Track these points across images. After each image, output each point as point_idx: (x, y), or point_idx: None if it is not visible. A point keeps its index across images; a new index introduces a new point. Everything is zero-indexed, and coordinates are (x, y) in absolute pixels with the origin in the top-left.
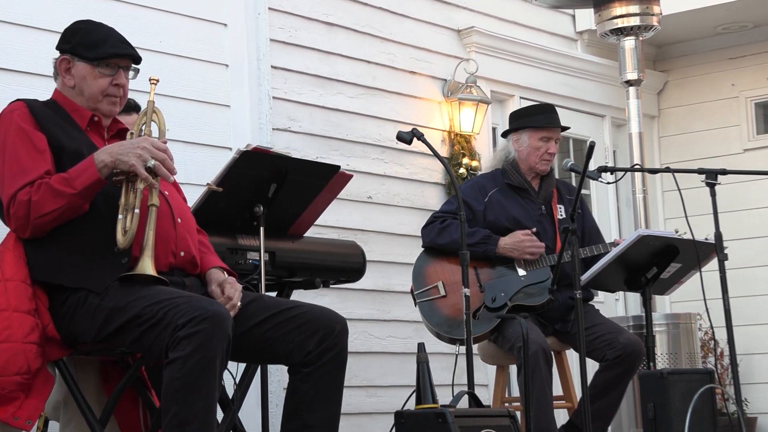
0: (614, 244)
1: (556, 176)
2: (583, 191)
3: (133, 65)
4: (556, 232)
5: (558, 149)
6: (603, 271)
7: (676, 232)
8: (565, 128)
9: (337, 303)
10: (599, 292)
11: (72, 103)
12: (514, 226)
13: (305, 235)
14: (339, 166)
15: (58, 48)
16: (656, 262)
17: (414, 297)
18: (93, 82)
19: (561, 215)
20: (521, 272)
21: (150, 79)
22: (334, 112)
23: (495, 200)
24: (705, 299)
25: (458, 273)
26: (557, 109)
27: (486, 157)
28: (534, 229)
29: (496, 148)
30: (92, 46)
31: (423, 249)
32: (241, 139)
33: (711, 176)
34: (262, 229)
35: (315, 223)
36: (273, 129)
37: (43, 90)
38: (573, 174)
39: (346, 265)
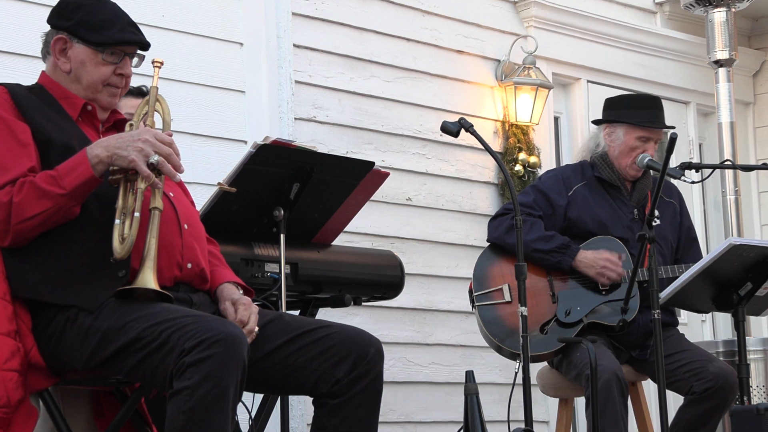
0: None
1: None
2: (680, 192)
3: (139, 51)
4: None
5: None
6: (686, 288)
7: None
8: (667, 127)
9: (371, 324)
10: (683, 313)
11: (62, 90)
12: (599, 229)
13: (333, 243)
14: (373, 163)
15: (52, 23)
16: (751, 277)
17: (473, 299)
18: (94, 69)
19: (655, 223)
20: None
21: (153, 62)
22: (367, 99)
23: (580, 196)
24: None
25: (530, 276)
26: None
27: (547, 151)
28: (623, 256)
29: (587, 138)
30: (97, 27)
31: (488, 244)
32: (258, 131)
33: None
34: (282, 236)
35: (345, 229)
36: (295, 119)
37: (26, 73)
38: (651, 172)
39: (381, 278)
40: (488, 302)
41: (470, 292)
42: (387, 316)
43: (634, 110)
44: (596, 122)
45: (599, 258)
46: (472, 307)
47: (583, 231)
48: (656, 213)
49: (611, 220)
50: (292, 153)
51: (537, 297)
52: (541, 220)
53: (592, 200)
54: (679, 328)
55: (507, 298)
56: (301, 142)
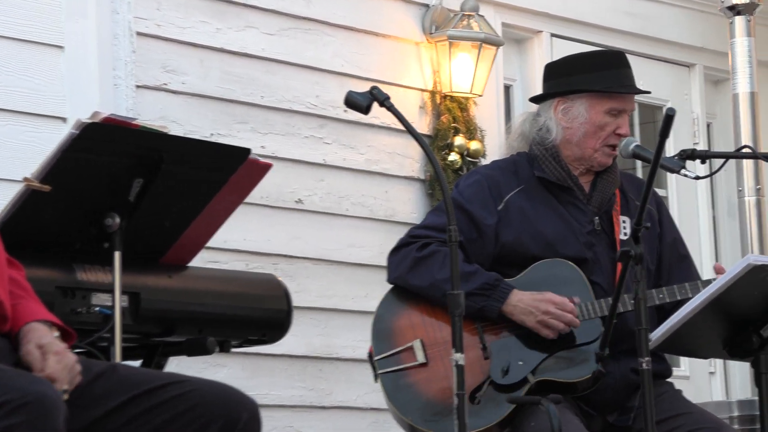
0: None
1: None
2: (656, 191)
3: None
4: (615, 260)
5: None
6: (687, 326)
7: None
8: (643, 92)
9: (244, 378)
10: (683, 363)
11: None
12: (546, 251)
13: (191, 264)
14: (249, 150)
15: None
16: None
17: (374, 366)
18: None
19: (626, 233)
20: None
21: None
22: (240, 59)
23: (516, 208)
24: None
25: (447, 327)
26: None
27: (494, 134)
28: (576, 300)
29: (518, 121)
30: None
31: (390, 288)
32: (84, 104)
33: None
34: (117, 254)
35: (208, 244)
36: (137, 86)
37: None
38: (640, 163)
39: (259, 314)
40: (395, 368)
41: (370, 356)
42: (267, 367)
43: (594, 74)
44: (537, 99)
45: (540, 301)
46: (375, 377)
47: (525, 257)
48: (626, 222)
49: (561, 235)
50: (132, 136)
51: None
52: (462, 249)
53: (532, 212)
54: (678, 382)
55: (420, 359)
56: (145, 120)
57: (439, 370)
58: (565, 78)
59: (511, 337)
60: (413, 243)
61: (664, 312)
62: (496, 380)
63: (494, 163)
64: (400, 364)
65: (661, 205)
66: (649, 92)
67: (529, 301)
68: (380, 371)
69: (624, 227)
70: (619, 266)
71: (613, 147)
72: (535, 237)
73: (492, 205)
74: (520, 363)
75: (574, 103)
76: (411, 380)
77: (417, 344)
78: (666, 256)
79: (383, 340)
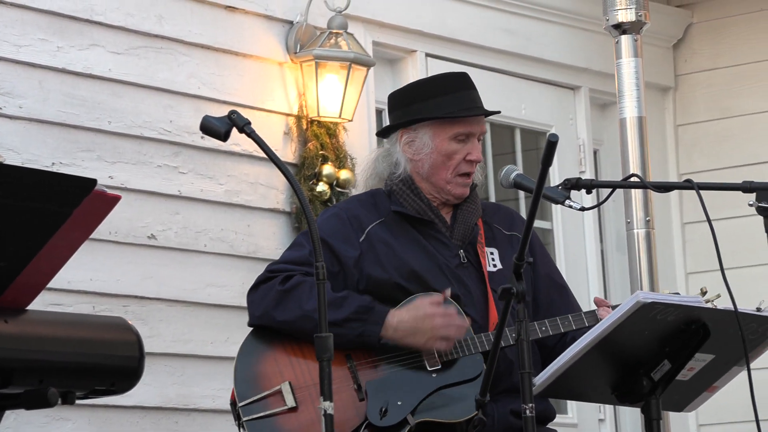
0: (596, 314)
1: (482, 197)
2: (536, 224)
3: None
4: (486, 294)
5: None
6: (574, 368)
7: (703, 294)
8: (490, 113)
9: None
10: (569, 408)
11: None
12: (414, 285)
13: (30, 308)
14: (95, 181)
15: None
16: (668, 352)
17: (238, 413)
18: None
19: (494, 265)
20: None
21: None
22: (85, 81)
23: (378, 239)
24: (758, 419)
25: (317, 367)
26: (486, 76)
27: (364, 164)
28: (448, 291)
29: (371, 158)
30: None
31: (252, 329)
32: None
33: (766, 196)
34: None
35: (49, 285)
36: None
37: None
38: (522, 193)
39: (107, 362)
40: (262, 414)
41: (233, 404)
42: (117, 420)
43: (435, 100)
44: (383, 133)
45: (423, 315)
46: (238, 426)
47: (393, 290)
48: (493, 253)
49: (429, 269)
50: None
51: (336, 395)
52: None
53: (396, 244)
54: (562, 430)
55: (290, 403)
56: None
57: (310, 414)
58: (407, 108)
59: (388, 374)
60: (274, 277)
61: (547, 350)
62: (373, 422)
63: (352, 197)
64: (267, 410)
65: (537, 240)
66: (498, 112)
67: (411, 321)
68: (245, 419)
69: (492, 259)
70: (491, 302)
71: (467, 175)
72: (401, 269)
73: (353, 238)
74: (399, 403)
75: (417, 134)
76: (279, 427)
77: (285, 387)
78: (543, 286)
79: (247, 385)
